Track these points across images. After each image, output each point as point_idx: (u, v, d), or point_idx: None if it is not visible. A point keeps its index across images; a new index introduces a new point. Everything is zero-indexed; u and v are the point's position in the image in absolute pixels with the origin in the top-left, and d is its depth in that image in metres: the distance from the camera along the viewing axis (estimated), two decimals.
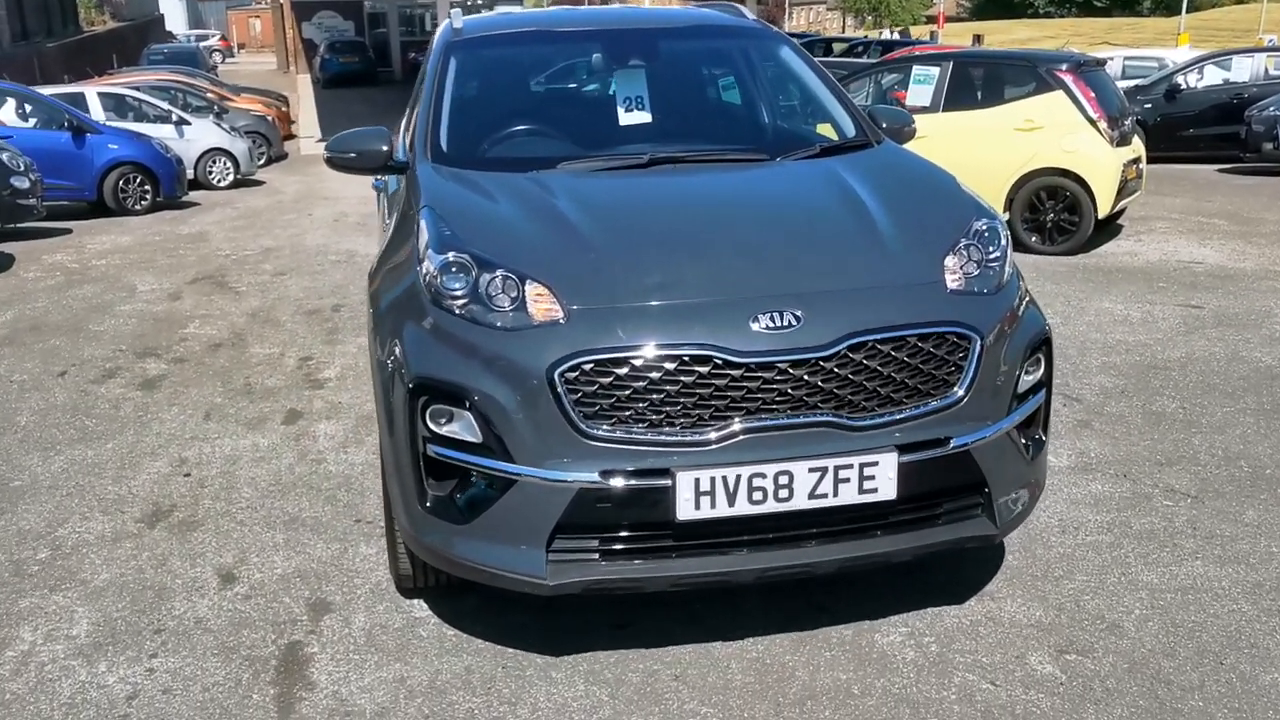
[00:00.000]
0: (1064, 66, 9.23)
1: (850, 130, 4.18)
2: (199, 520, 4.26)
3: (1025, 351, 3.18)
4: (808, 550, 2.99)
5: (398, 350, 3.09)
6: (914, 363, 2.96)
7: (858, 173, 3.69)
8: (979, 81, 9.81)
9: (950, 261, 3.18)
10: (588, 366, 2.83)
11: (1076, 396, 5.44)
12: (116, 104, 17.49)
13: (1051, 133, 9.06)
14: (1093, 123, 8.98)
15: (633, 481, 2.85)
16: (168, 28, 52.00)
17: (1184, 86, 15.79)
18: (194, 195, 15.69)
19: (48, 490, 4.59)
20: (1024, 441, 3.25)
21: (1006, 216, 9.26)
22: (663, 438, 2.85)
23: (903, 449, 2.95)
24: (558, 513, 2.88)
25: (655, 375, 2.83)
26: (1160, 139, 15.22)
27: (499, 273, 3.02)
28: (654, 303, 2.94)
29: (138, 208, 14.05)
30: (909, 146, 4.19)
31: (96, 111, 16.58)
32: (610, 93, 4.35)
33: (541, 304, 2.95)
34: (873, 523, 3.03)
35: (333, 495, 4.46)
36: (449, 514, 3.02)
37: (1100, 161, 8.97)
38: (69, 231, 12.16)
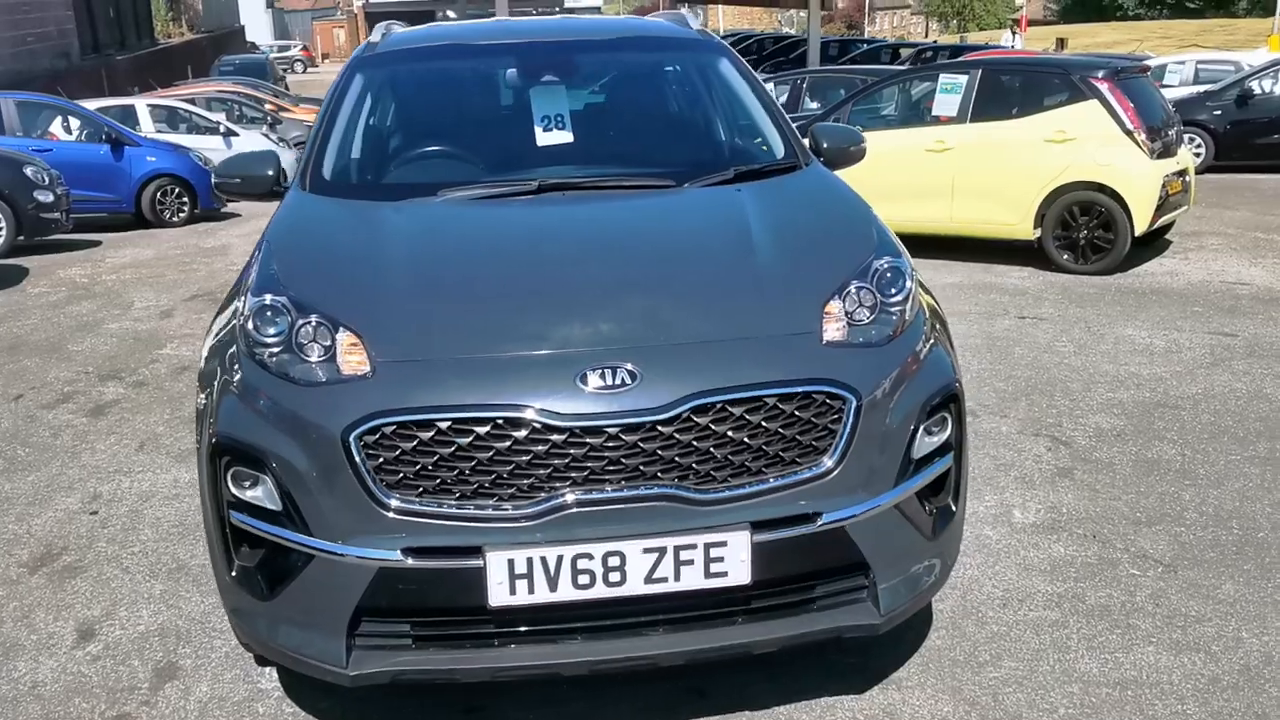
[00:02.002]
0: (1100, 74, 8.64)
1: (779, 151, 3.79)
2: (84, 566, 4.02)
3: (923, 410, 2.76)
4: (652, 640, 2.61)
5: (208, 403, 2.79)
6: (773, 427, 2.56)
7: (764, 203, 3.30)
8: (1009, 90, 9.24)
9: (834, 307, 2.77)
10: (389, 429, 2.49)
11: (1065, 439, 4.94)
12: (168, 116, 17.63)
13: (1085, 144, 8.47)
14: (1130, 134, 8.37)
15: (439, 562, 2.50)
16: (249, 38, 52.94)
17: (1257, 92, 14.88)
18: (239, 206, 15.71)
19: None
20: (925, 514, 2.83)
21: (1037, 233, 8.71)
22: (474, 512, 2.49)
23: (759, 526, 2.56)
24: (357, 595, 2.54)
25: (465, 441, 2.48)
26: (1230, 147, 14.42)
27: (313, 318, 2.70)
28: (472, 356, 2.59)
29: (175, 220, 14.08)
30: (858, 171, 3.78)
31: (146, 123, 16.73)
32: (521, 110, 4.00)
33: (352, 355, 2.63)
34: (730, 609, 2.64)
35: None
36: (252, 588, 2.71)
37: (1137, 175, 8.36)
38: (97, 244, 12.20)
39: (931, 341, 2.92)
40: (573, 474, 2.49)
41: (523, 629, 2.59)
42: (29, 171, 10.96)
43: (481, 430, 2.47)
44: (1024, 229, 8.77)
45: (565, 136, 3.82)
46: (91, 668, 3.34)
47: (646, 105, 4.21)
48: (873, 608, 2.71)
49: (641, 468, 2.51)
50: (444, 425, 2.48)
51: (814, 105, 13.05)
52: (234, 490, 2.66)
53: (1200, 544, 3.87)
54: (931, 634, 3.33)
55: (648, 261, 3.01)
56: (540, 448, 2.47)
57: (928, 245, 9.42)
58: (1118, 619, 3.39)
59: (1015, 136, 8.82)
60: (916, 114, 9.83)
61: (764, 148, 3.83)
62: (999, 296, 7.92)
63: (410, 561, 2.50)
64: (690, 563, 2.52)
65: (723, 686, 3.06)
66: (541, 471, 2.49)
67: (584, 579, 2.50)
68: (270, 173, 3.70)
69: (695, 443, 2.52)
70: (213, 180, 3.85)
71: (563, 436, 2.47)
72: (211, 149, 16.15)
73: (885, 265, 2.92)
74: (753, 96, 4.03)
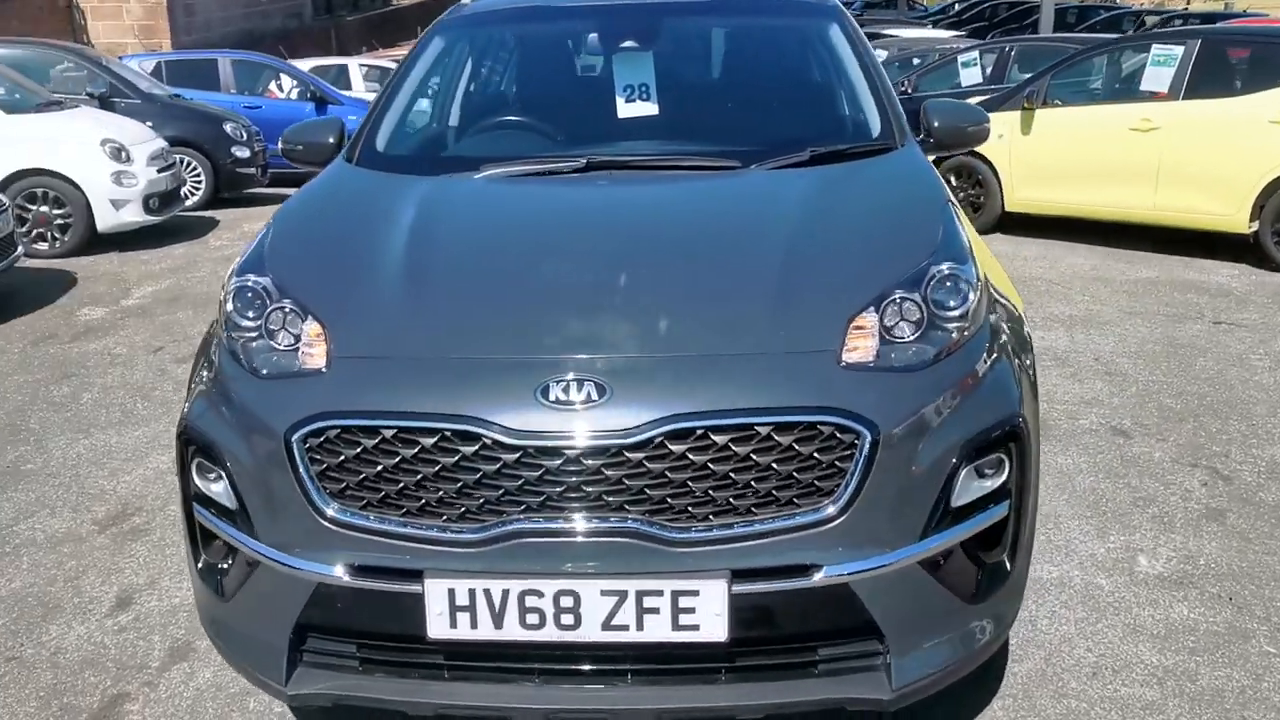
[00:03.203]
0: None
1: (875, 130, 3.33)
2: (148, 530, 4.02)
3: (968, 449, 2.30)
4: (617, 692, 2.28)
5: (189, 388, 2.65)
6: (765, 461, 2.17)
7: (825, 191, 2.89)
8: (1233, 64, 8.19)
9: (867, 320, 2.34)
10: (333, 433, 2.25)
11: (1227, 474, 4.25)
12: (380, 75, 18.21)
13: None
14: None
15: (378, 583, 2.25)
16: None
17: None
18: None
19: (45, 478, 4.51)
20: (965, 573, 2.37)
21: (1254, 227, 7.70)
22: (416, 532, 2.23)
23: (741, 575, 2.18)
24: (297, 609, 2.33)
25: (410, 452, 2.21)
26: None
27: (286, 304, 2.49)
28: (431, 356, 2.32)
29: None
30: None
31: (358, 82, 17.33)
32: (602, 79, 3.69)
33: (313, 348, 2.40)
34: (713, 665, 2.28)
35: None
36: (212, 586, 2.54)
37: None
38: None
39: (992, 366, 2.44)
40: (526, 499, 2.18)
41: (474, 664, 2.31)
42: (228, 128, 11.46)
43: (428, 442, 2.20)
44: (1238, 221, 7.77)
45: (649, 108, 3.50)
46: (114, 639, 3.30)
47: (736, 76, 3.82)
48: (884, 680, 2.28)
49: (605, 497, 2.17)
50: (389, 434, 2.22)
51: (1025, 77, 12.09)
52: (199, 483, 2.50)
53: None
54: (995, 702, 2.85)
55: (662, 258, 2.64)
56: (490, 466, 2.18)
57: (1124, 234, 8.55)
58: (1230, 710, 2.81)
59: (1235, 116, 7.81)
60: (1124, 88, 8.87)
61: (856, 126, 3.38)
62: (1195, 296, 7.04)
63: (347, 579, 2.26)
64: (655, 611, 2.18)
65: None
66: (491, 493, 2.19)
67: (533, 618, 2.19)
68: (332, 140, 3.54)
69: (669, 473, 2.16)
70: (279, 146, 3.72)
71: (515, 456, 2.17)
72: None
73: (945, 272, 2.46)
74: (858, 68, 3.57)
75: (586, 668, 2.29)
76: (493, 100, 3.74)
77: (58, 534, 4.01)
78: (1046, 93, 8.90)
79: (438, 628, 2.22)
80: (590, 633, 2.20)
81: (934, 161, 7.76)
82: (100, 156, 8.78)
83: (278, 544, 2.32)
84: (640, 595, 2.17)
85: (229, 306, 2.56)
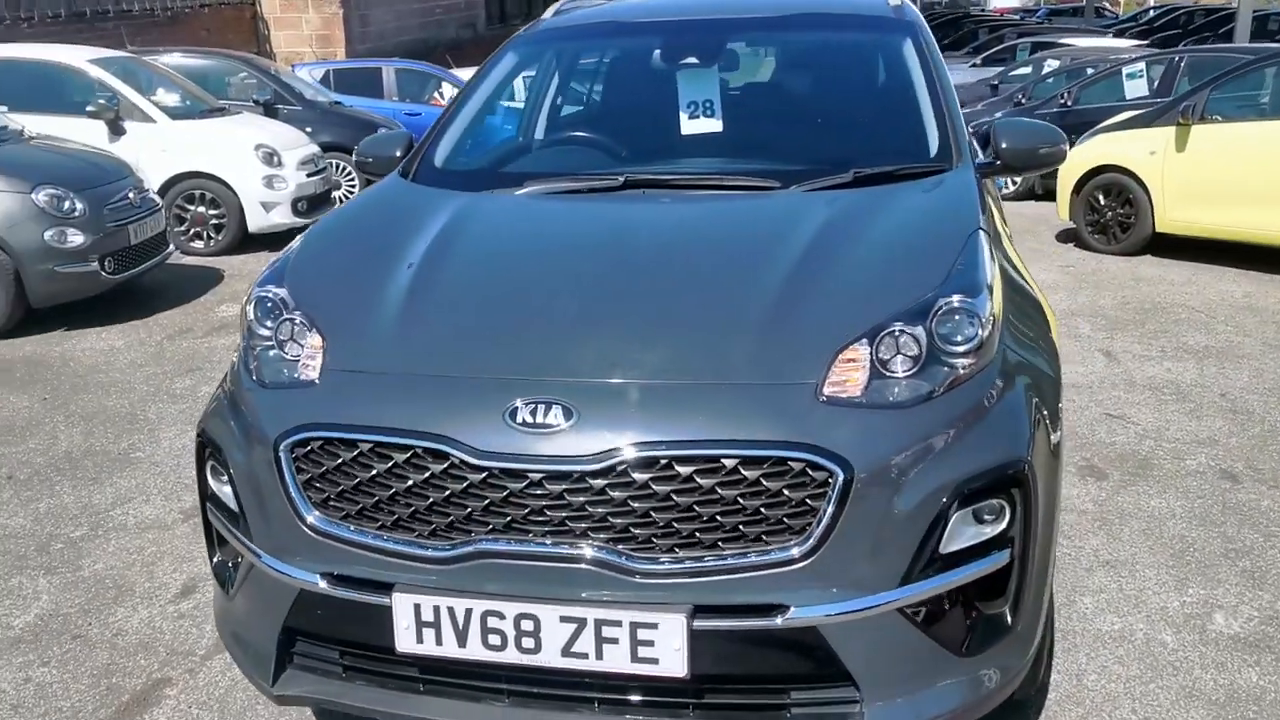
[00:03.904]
0: None
1: (932, 150, 3.20)
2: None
3: (960, 493, 2.18)
4: (582, 719, 2.26)
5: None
6: (731, 495, 2.11)
7: (858, 213, 2.80)
8: None
9: (859, 352, 2.25)
10: (317, 444, 2.31)
11: None
12: None
13: None
14: None
15: (353, 593, 2.30)
16: None
17: None
18: None
19: (149, 466, 4.78)
20: (955, 623, 2.25)
21: None
22: (389, 545, 2.26)
23: (703, 611, 2.13)
24: (284, 613, 2.40)
25: (384, 467, 2.25)
26: None
27: (296, 315, 2.57)
28: (411, 373, 2.35)
29: None
30: None
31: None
32: (667, 95, 3.66)
33: (313, 360, 2.47)
34: (679, 701, 2.23)
35: None
36: (223, 580, 2.65)
37: None
38: None
39: (999, 405, 2.31)
40: (492, 519, 2.19)
41: (447, 681, 2.33)
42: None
43: (400, 458, 2.23)
44: None
45: (713, 125, 3.46)
46: (171, 625, 3.47)
47: (798, 93, 3.73)
48: None
49: (568, 523, 2.15)
50: (365, 448, 2.26)
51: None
52: (211, 484, 2.61)
53: None
54: None
55: (660, 281, 2.59)
56: (457, 485, 2.19)
57: None
58: None
59: None
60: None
61: (912, 146, 3.24)
62: None
63: (325, 587, 2.31)
64: (614, 641, 2.15)
65: None
66: (460, 512, 2.20)
67: (495, 639, 2.19)
68: (398, 154, 3.63)
69: (632, 502, 2.13)
70: (354, 158, 3.85)
71: (481, 476, 2.17)
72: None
73: (953, 305, 2.33)
74: (924, 85, 3.43)
75: (556, 693, 2.27)
76: (553, 117, 3.77)
77: (146, 520, 4.24)
78: (1205, 107, 8.36)
79: (405, 642, 2.25)
80: (550, 658, 2.18)
81: (1081, 181, 7.41)
82: (253, 161, 9.27)
83: (268, 548, 2.39)
84: (599, 624, 2.14)
85: (249, 315, 2.66)
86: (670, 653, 2.13)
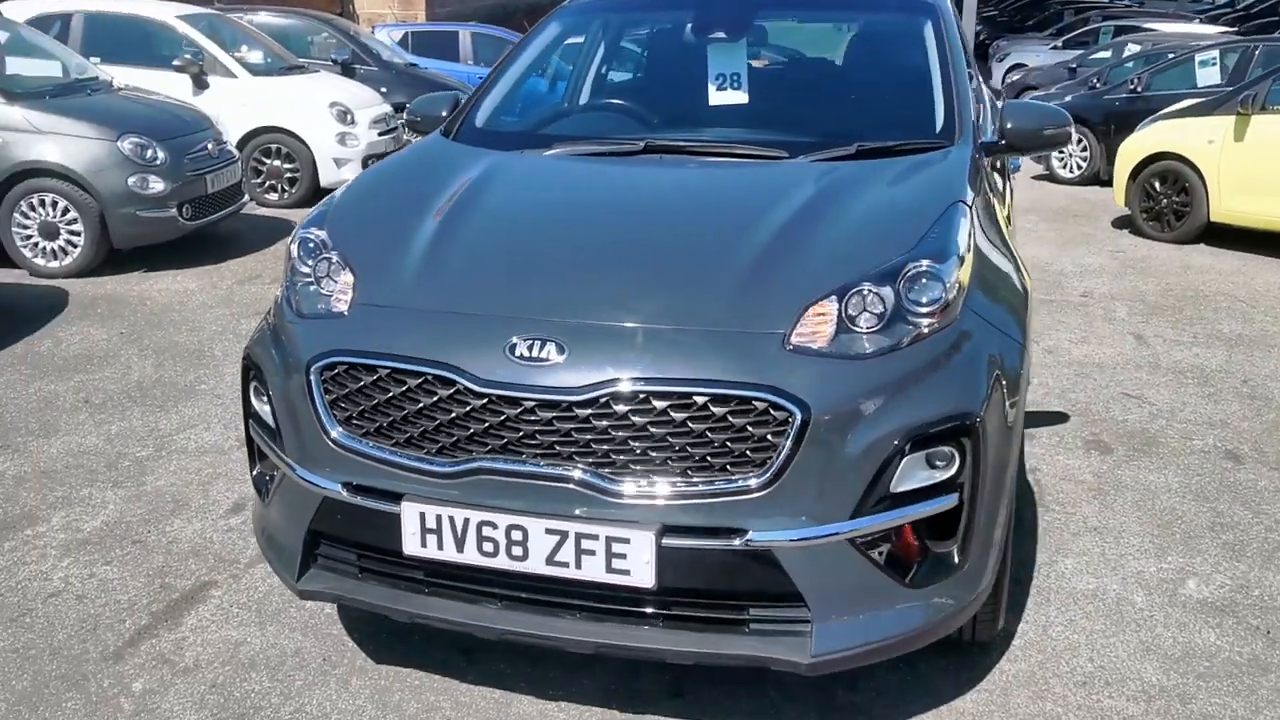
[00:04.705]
0: None
1: (937, 128, 3.40)
2: None
3: (910, 438, 2.41)
4: (562, 623, 2.55)
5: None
6: (699, 429, 2.37)
7: (851, 182, 3.02)
8: None
9: (827, 308, 2.49)
10: (343, 368, 2.61)
11: None
12: None
13: None
14: None
15: (368, 501, 2.60)
16: None
17: None
18: None
19: (212, 398, 5.16)
20: (904, 557, 2.48)
21: None
22: (400, 460, 2.56)
23: (671, 530, 2.39)
24: (309, 517, 2.71)
25: (399, 390, 2.54)
26: None
27: (334, 255, 2.87)
28: (427, 308, 2.63)
29: None
30: None
31: None
32: (695, 67, 3.89)
33: (345, 295, 2.77)
34: (646, 611, 2.50)
35: None
36: (260, 490, 2.98)
37: None
38: None
39: (957, 361, 2.52)
40: (490, 440, 2.47)
41: (449, 583, 2.63)
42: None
43: (413, 382, 2.52)
44: None
45: (740, 96, 3.69)
46: (220, 536, 3.83)
47: (819, 69, 3.95)
48: (806, 646, 2.44)
49: (557, 447, 2.43)
50: (383, 373, 2.55)
51: None
52: (254, 403, 2.93)
53: None
54: (967, 695, 2.92)
55: (657, 236, 2.85)
56: (461, 409, 2.48)
57: None
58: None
59: None
60: None
61: (917, 123, 3.44)
62: None
63: (345, 496, 2.62)
64: (591, 553, 2.42)
65: (702, 685, 2.90)
66: (462, 433, 2.49)
67: (488, 546, 2.48)
68: (444, 113, 3.90)
69: (612, 430, 2.39)
70: (405, 116, 4.13)
71: (482, 402, 2.45)
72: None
73: (921, 268, 2.55)
74: (937, 66, 3.62)
75: (538, 599, 2.56)
76: (589, 84, 4.01)
77: (205, 445, 4.62)
78: (1267, 97, 8.32)
79: (411, 545, 2.54)
80: (536, 565, 2.47)
81: (1139, 168, 7.40)
82: (327, 118, 9.66)
83: (298, 460, 2.70)
84: (579, 537, 2.42)
85: (292, 253, 2.97)
86: (640, 565, 2.40)
